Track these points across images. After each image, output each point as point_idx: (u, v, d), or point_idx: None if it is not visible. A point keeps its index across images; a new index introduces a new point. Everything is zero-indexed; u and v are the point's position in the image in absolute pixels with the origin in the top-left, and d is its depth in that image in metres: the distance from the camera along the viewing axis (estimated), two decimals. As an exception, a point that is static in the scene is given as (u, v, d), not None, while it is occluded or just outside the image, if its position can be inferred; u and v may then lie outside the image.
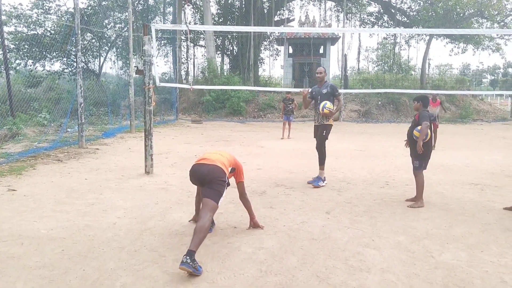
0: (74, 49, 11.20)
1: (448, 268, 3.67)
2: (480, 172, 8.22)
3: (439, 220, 5.10)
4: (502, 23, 26.84)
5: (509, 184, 6.97)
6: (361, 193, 6.44)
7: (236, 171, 4.47)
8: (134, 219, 4.98)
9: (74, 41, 10.74)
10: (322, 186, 6.81)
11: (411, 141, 5.81)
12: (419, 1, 28.21)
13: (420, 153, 5.56)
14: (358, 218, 5.15)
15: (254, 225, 4.66)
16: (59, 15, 21.24)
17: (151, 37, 7.47)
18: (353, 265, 3.71)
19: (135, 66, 15.29)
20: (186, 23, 27.04)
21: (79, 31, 10.62)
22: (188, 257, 3.36)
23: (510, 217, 5.25)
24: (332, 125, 6.99)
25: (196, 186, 4.46)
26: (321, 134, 6.93)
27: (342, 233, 4.56)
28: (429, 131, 5.63)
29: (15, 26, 19.18)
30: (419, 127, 5.59)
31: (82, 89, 10.59)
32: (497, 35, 26.20)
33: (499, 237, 4.51)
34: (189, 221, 4.87)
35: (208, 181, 3.92)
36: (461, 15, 24.43)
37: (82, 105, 10.62)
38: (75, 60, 11.20)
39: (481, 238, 4.48)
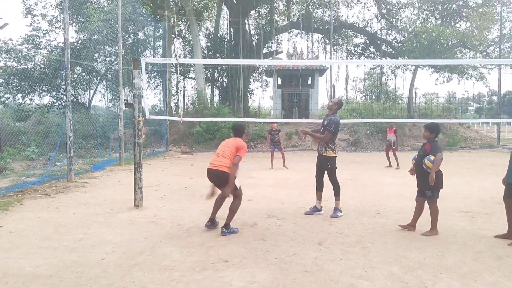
0: (63, 83, 11.24)
1: (442, 299, 3.63)
2: (470, 200, 8.26)
3: (431, 249, 5.08)
4: (485, 53, 27.61)
5: (499, 211, 6.98)
6: (352, 223, 6.41)
7: (240, 150, 5.63)
8: (123, 254, 4.88)
9: (64, 75, 10.79)
10: (340, 216, 6.80)
11: (420, 171, 5.75)
12: (404, 33, 28.99)
13: (433, 184, 5.52)
14: (351, 248, 5.11)
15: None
16: (49, 49, 21.41)
17: (141, 70, 7.55)
18: (347, 298, 3.65)
19: (125, 99, 15.36)
20: (176, 56, 27.42)
21: (69, 65, 10.69)
22: (224, 228, 5.60)
23: (501, 245, 5.25)
24: (333, 156, 6.88)
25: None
26: (327, 167, 6.90)
27: (335, 265, 4.51)
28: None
29: (5, 61, 19.28)
30: (432, 157, 5.53)
31: (71, 122, 10.57)
32: (480, 64, 26.85)
33: (491, 265, 4.50)
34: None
35: (219, 183, 5.61)
36: (445, 45, 25.08)
37: (71, 138, 10.57)
38: (64, 93, 11.23)
39: (473, 267, 4.46)
